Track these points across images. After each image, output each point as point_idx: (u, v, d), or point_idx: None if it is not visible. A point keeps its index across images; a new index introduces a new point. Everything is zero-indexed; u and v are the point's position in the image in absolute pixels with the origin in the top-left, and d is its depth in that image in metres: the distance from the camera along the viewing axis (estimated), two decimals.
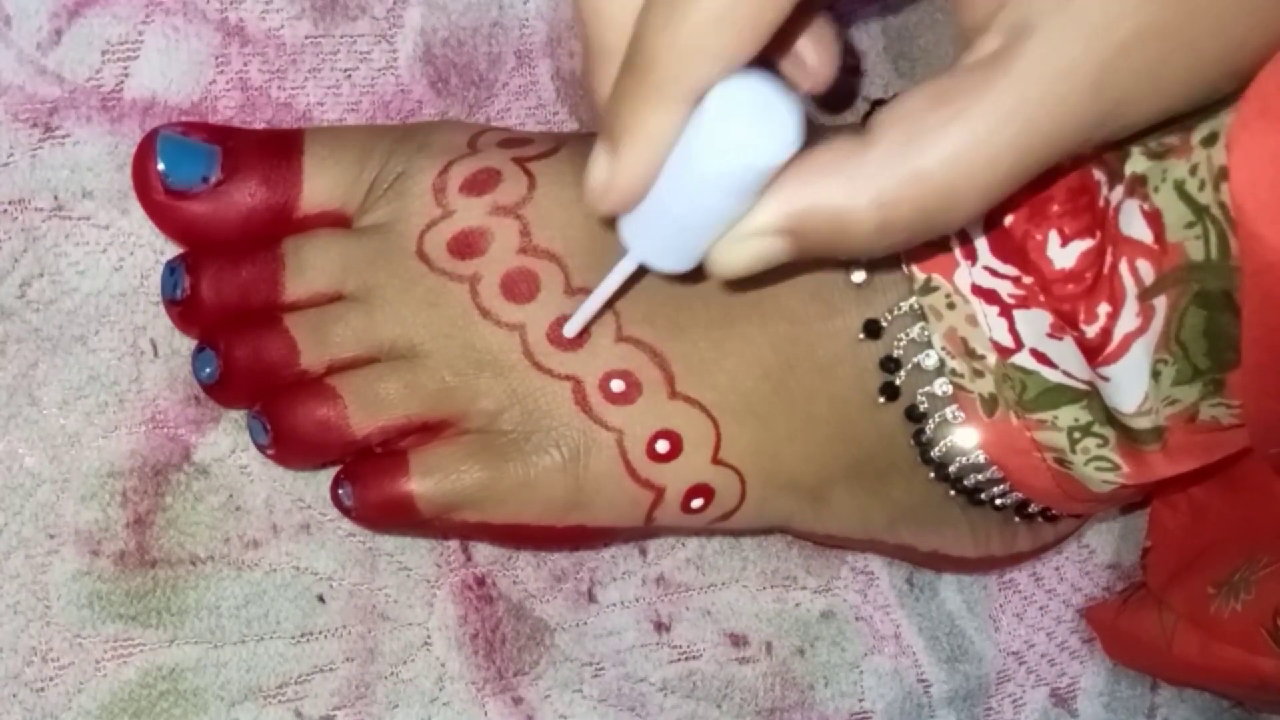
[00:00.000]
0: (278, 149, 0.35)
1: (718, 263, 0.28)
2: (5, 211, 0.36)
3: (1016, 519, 0.39)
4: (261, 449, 0.36)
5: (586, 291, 0.34)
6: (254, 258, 0.35)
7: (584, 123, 0.41)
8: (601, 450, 0.35)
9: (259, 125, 0.38)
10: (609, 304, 0.33)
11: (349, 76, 0.39)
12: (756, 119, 0.26)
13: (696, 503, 0.36)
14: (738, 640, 0.42)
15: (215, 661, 0.38)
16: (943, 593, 0.45)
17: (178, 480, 0.37)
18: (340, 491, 0.36)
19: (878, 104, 0.36)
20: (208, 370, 0.35)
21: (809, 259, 0.28)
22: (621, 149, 0.27)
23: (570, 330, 0.34)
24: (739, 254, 0.28)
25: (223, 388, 0.35)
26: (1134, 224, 0.30)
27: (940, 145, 0.25)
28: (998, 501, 0.38)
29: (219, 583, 0.38)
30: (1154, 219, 0.30)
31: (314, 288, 0.35)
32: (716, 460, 0.36)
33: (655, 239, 0.29)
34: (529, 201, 0.34)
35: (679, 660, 0.42)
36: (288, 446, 0.35)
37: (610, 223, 0.30)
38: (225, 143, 0.35)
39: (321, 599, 0.39)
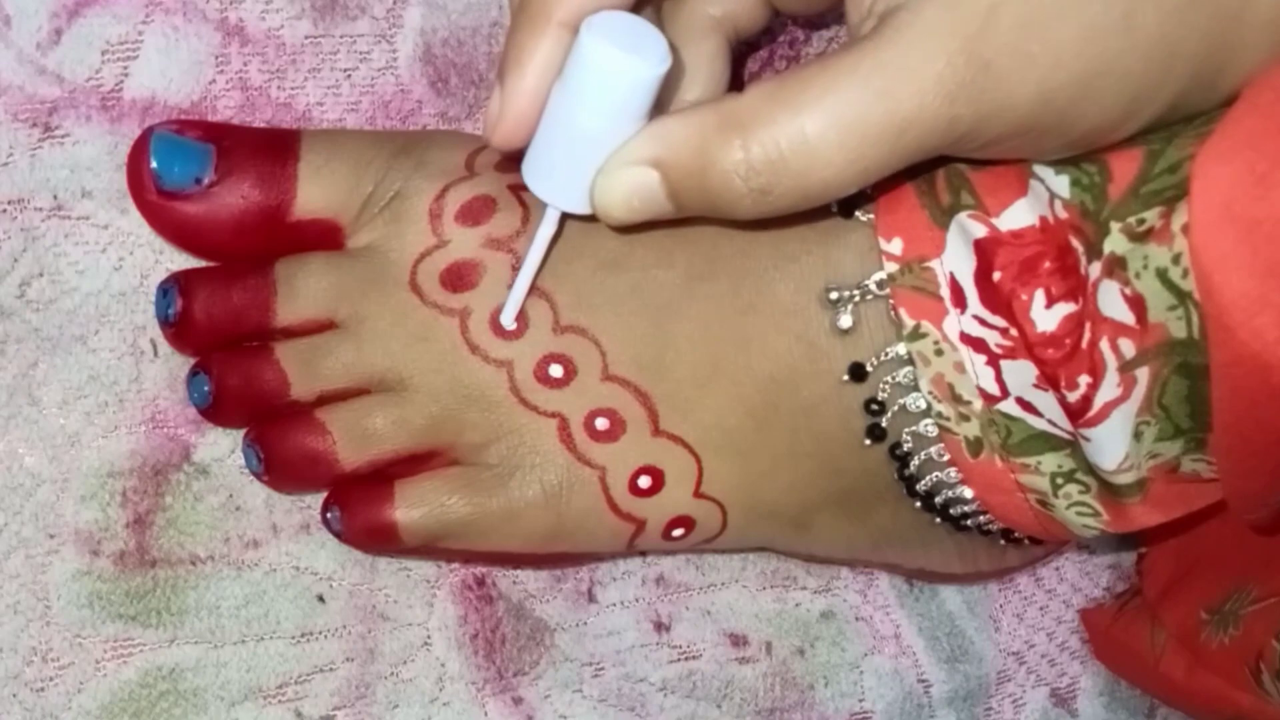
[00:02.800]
0: (273, 152, 0.35)
1: (597, 197, 0.30)
2: (5, 211, 0.36)
3: (1003, 542, 0.39)
4: (256, 476, 0.37)
5: (575, 329, 0.34)
6: (246, 282, 0.35)
7: None
8: (584, 486, 0.35)
9: (259, 125, 0.38)
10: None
11: (349, 76, 0.39)
12: (624, 39, 0.29)
13: (677, 532, 0.37)
14: (738, 640, 0.42)
15: (215, 661, 0.38)
16: (943, 593, 0.45)
17: (178, 480, 0.37)
18: (329, 515, 0.36)
19: None
20: (201, 394, 0.36)
21: (690, 212, 0.30)
22: (507, 79, 0.30)
23: (507, 317, 0.34)
24: (614, 185, 0.30)
25: (216, 412, 0.36)
26: (1114, 306, 0.30)
27: (810, 111, 0.27)
28: (984, 528, 0.38)
29: (219, 583, 0.38)
30: (1136, 303, 0.30)
31: (305, 314, 0.35)
32: (698, 494, 0.36)
33: (554, 178, 0.31)
34: (522, 235, 0.35)
35: (679, 660, 0.42)
36: (279, 476, 0.36)
37: (605, 260, 0.32)
38: (221, 141, 0.35)
39: (321, 599, 0.39)
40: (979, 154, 0.29)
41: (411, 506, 0.35)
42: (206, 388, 0.35)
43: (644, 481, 0.35)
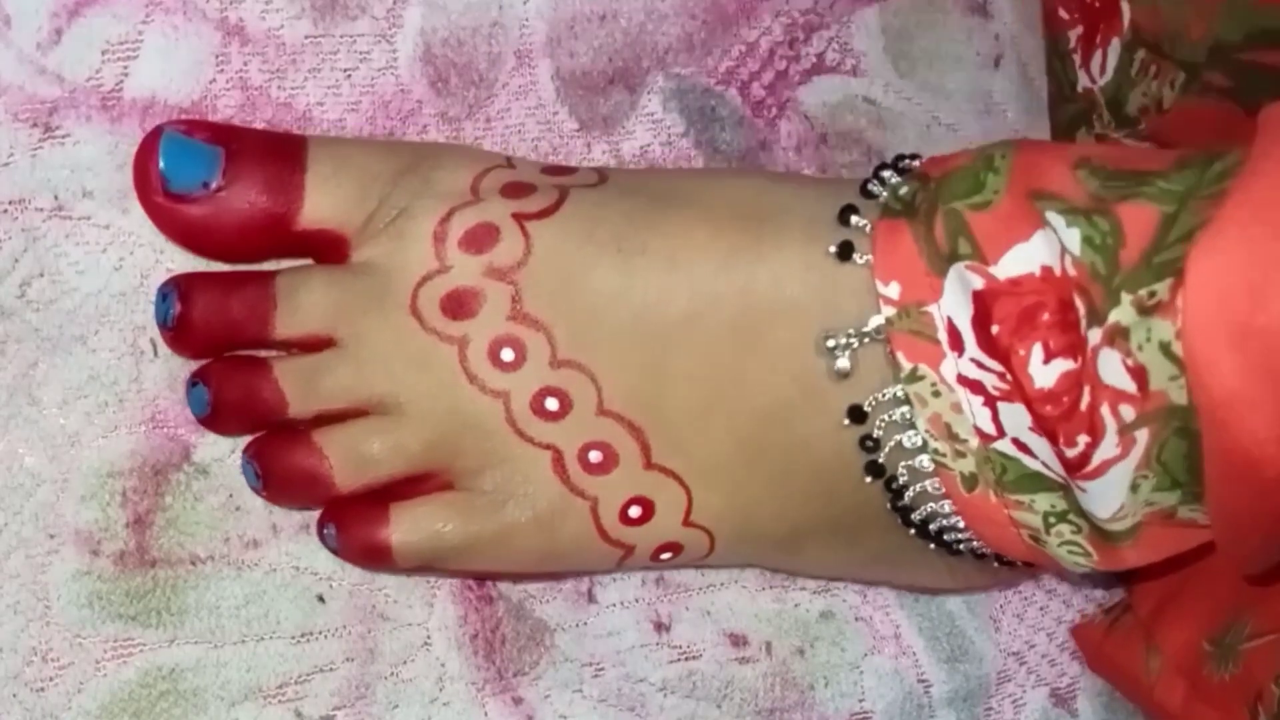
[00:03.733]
0: (280, 161, 0.35)
1: None
2: (5, 211, 0.36)
3: (997, 565, 0.39)
4: (254, 490, 0.37)
5: (572, 364, 0.35)
6: (246, 293, 0.35)
7: (584, 123, 0.41)
8: (575, 515, 0.36)
9: (259, 125, 0.38)
10: None
11: (349, 76, 0.39)
12: None
13: (665, 555, 0.37)
14: (737, 640, 0.42)
15: (215, 661, 0.38)
16: None
17: (178, 480, 0.37)
18: (325, 532, 0.37)
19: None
20: (200, 405, 0.36)
21: None
22: None
23: None
24: None
25: (214, 424, 0.36)
26: (1116, 375, 0.30)
27: None
28: (978, 553, 0.38)
29: (219, 583, 0.38)
30: (1138, 373, 0.30)
31: (304, 330, 0.35)
32: (687, 523, 0.37)
33: None
34: (523, 266, 0.35)
35: (679, 660, 0.42)
36: (276, 494, 0.37)
37: (605, 296, 0.34)
38: (229, 145, 0.35)
39: (321, 599, 0.39)
40: None
41: (406, 531, 0.36)
42: (205, 399, 0.36)
43: (634, 511, 0.36)
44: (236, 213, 0.35)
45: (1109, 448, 0.31)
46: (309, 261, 0.37)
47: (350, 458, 0.35)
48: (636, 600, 0.41)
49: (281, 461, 0.36)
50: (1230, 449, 0.28)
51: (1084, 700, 0.47)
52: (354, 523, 0.36)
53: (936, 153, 0.43)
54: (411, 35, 0.39)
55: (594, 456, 0.35)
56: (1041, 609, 0.46)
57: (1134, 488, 0.31)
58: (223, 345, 0.36)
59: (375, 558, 0.36)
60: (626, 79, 0.42)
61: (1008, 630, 0.45)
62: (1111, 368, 0.30)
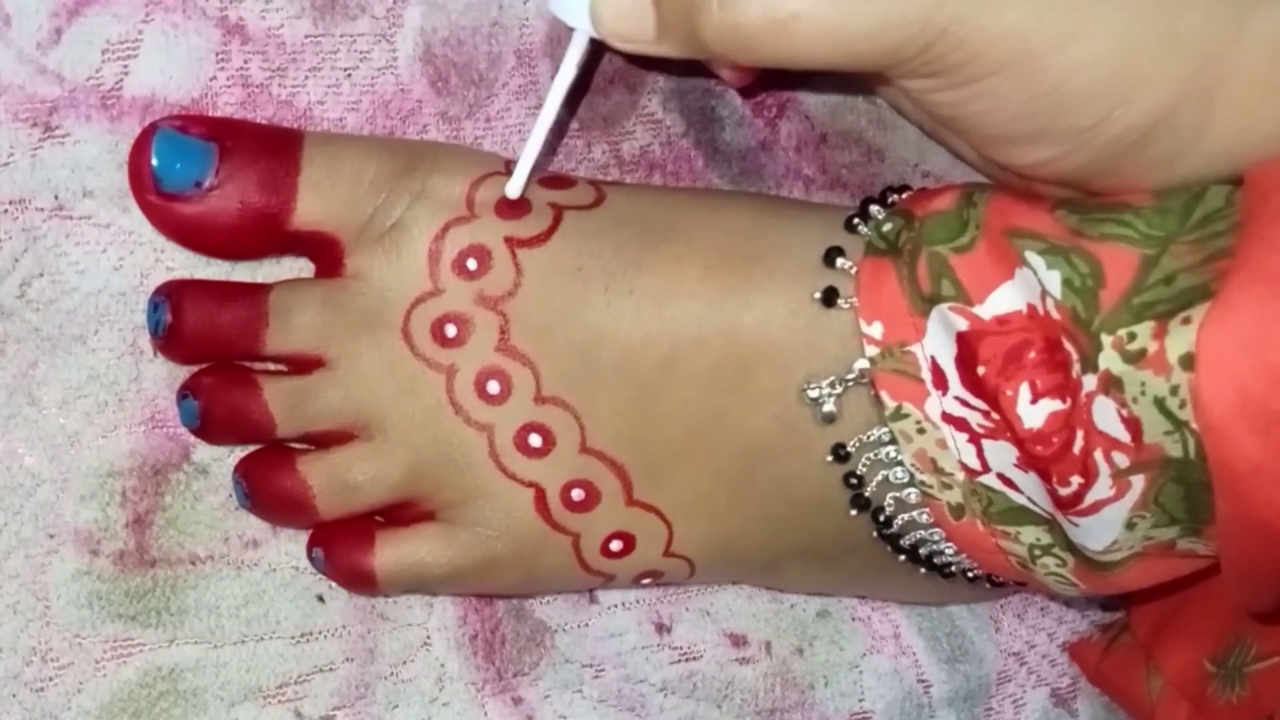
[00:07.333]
0: (274, 162, 0.35)
1: (593, 8, 0.31)
2: (6, 211, 0.36)
3: (988, 585, 0.39)
4: (245, 509, 0.37)
5: (556, 401, 0.35)
6: (238, 307, 0.35)
7: (584, 123, 0.41)
8: (557, 550, 0.36)
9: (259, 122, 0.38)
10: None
11: (349, 75, 0.39)
12: None
13: (646, 581, 0.38)
14: (737, 640, 0.42)
15: (215, 661, 0.38)
16: None
17: (177, 480, 0.37)
18: (313, 554, 0.37)
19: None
20: (190, 417, 0.36)
21: (678, 52, 0.31)
22: None
23: (514, 187, 0.34)
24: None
25: (204, 437, 0.37)
26: (1110, 424, 0.30)
27: None
28: (970, 575, 0.38)
29: (219, 583, 0.38)
30: (1132, 424, 0.30)
31: (294, 348, 0.35)
32: (668, 554, 0.37)
33: None
34: (512, 297, 0.35)
35: (680, 661, 0.42)
36: (264, 515, 0.37)
37: (591, 335, 0.34)
38: (224, 142, 0.35)
39: (321, 599, 0.39)
40: (947, 91, 0.29)
41: (390, 561, 0.36)
42: (194, 413, 0.36)
43: (615, 545, 0.36)
44: (229, 213, 0.35)
45: (1102, 489, 0.31)
46: (306, 271, 0.37)
47: (333, 486, 0.36)
48: (637, 601, 0.41)
49: (267, 486, 0.36)
50: (1251, 517, 0.28)
51: (1084, 701, 0.47)
52: (340, 550, 0.36)
53: (936, 154, 0.43)
54: (411, 35, 0.39)
55: (576, 495, 0.35)
56: (1042, 609, 0.46)
57: (1130, 525, 0.31)
58: (213, 357, 0.36)
59: (360, 584, 0.37)
60: (626, 79, 0.41)
61: (1008, 630, 0.45)
62: (1106, 416, 0.30)
